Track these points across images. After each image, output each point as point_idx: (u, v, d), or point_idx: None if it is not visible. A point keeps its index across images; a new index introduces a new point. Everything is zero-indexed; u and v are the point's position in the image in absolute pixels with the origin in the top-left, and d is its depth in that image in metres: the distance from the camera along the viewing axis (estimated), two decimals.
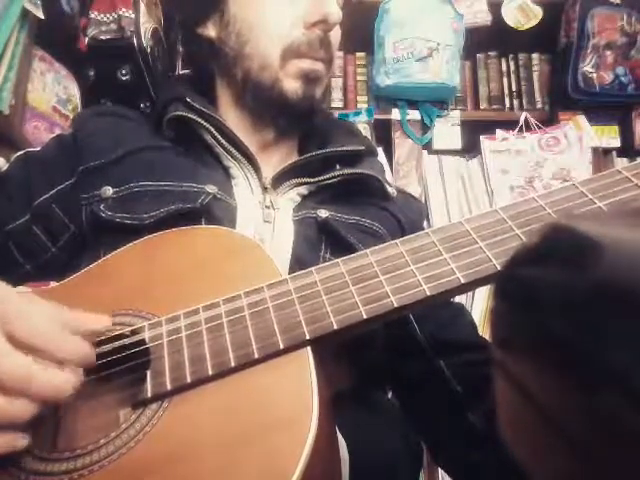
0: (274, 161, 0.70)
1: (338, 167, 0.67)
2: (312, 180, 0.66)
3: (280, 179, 0.65)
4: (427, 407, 0.63)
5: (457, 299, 1.56)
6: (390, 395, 0.87)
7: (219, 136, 0.65)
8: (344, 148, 0.68)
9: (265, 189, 0.64)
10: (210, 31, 0.71)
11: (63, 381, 0.38)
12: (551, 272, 0.25)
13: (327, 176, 0.66)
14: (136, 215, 0.58)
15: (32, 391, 0.37)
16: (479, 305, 1.55)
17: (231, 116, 0.71)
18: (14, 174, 0.66)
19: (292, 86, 0.65)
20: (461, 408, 0.58)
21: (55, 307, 0.42)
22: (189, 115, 0.64)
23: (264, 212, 0.63)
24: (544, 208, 0.46)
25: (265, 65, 0.65)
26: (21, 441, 0.38)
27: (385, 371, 0.66)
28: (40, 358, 0.38)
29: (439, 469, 1.44)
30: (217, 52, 0.70)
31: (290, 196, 0.66)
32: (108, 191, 0.60)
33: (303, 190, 0.67)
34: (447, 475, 0.67)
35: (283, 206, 0.64)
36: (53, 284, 0.54)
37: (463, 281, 0.43)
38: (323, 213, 0.63)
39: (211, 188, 0.60)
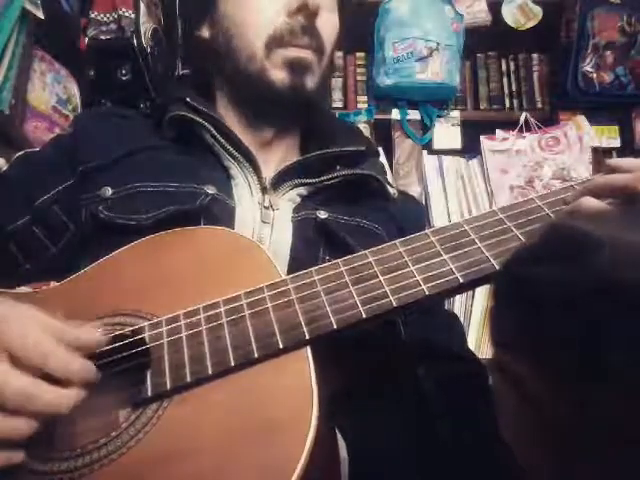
0: (275, 161, 0.70)
1: (338, 167, 0.67)
2: (312, 181, 0.66)
3: (280, 179, 0.65)
4: (397, 409, 0.63)
5: (456, 301, 1.56)
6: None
7: (219, 136, 0.65)
8: (345, 148, 0.68)
9: (264, 189, 0.64)
10: (205, 32, 0.72)
11: (63, 398, 0.39)
12: (550, 271, 0.26)
13: (327, 177, 0.66)
14: (135, 216, 0.58)
15: (32, 409, 0.37)
16: (479, 305, 1.55)
17: (230, 115, 0.71)
18: (14, 175, 0.67)
19: (278, 76, 0.65)
20: (432, 418, 0.57)
21: (54, 322, 0.42)
22: (189, 115, 0.65)
23: (263, 213, 0.63)
24: (543, 208, 0.46)
25: (250, 56, 0.66)
26: (18, 457, 0.38)
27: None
28: (40, 375, 0.38)
29: None
30: (212, 52, 0.71)
31: (290, 197, 0.66)
32: (107, 191, 0.61)
33: (303, 191, 0.67)
34: None
35: (282, 207, 0.64)
36: (53, 284, 0.54)
37: (462, 281, 0.44)
38: (322, 214, 0.63)
39: (210, 189, 0.61)
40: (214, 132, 0.65)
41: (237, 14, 0.67)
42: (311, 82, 0.67)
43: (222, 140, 0.65)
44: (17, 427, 0.37)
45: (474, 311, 1.54)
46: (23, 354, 0.38)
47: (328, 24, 0.69)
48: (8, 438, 0.37)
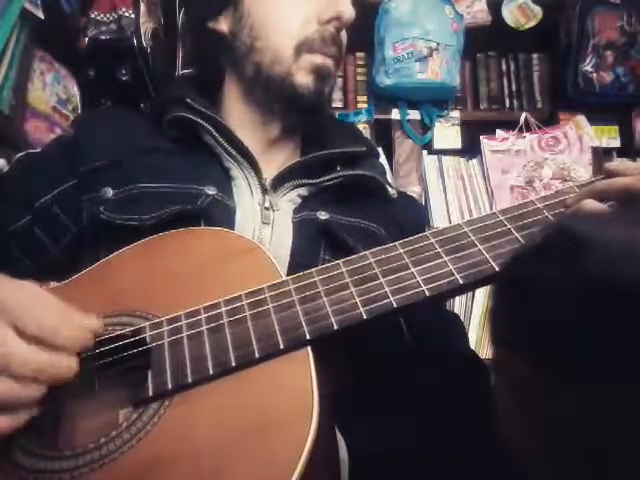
0: (277, 161, 0.70)
1: (339, 168, 0.68)
2: (312, 181, 0.66)
3: (280, 180, 0.65)
4: (398, 409, 0.63)
5: (456, 301, 1.56)
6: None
7: (219, 137, 0.65)
8: (345, 149, 0.69)
9: (265, 190, 0.64)
10: (222, 25, 0.71)
11: (67, 363, 0.40)
12: (550, 272, 0.26)
13: (328, 177, 0.66)
14: (136, 216, 0.58)
15: (39, 374, 0.39)
16: (479, 305, 1.55)
17: (237, 112, 0.71)
18: (15, 175, 0.67)
19: (304, 80, 0.66)
20: (433, 415, 0.58)
21: (57, 300, 0.43)
22: (189, 116, 0.65)
23: (263, 213, 0.63)
24: (543, 211, 0.47)
25: (277, 59, 0.66)
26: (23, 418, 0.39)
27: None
28: (45, 343, 0.40)
29: None
30: (228, 47, 0.70)
31: (290, 197, 0.66)
32: (108, 192, 0.61)
33: (304, 191, 0.67)
34: None
35: (283, 207, 0.64)
36: (53, 284, 0.54)
37: (462, 282, 0.44)
38: (323, 215, 0.63)
39: (211, 189, 0.61)
40: (214, 133, 0.65)
41: (266, 14, 0.67)
42: (328, 89, 0.69)
43: (222, 141, 0.65)
44: (28, 391, 0.38)
45: (474, 311, 1.54)
46: (31, 328, 0.39)
47: (345, 35, 0.71)
48: (21, 402, 0.38)
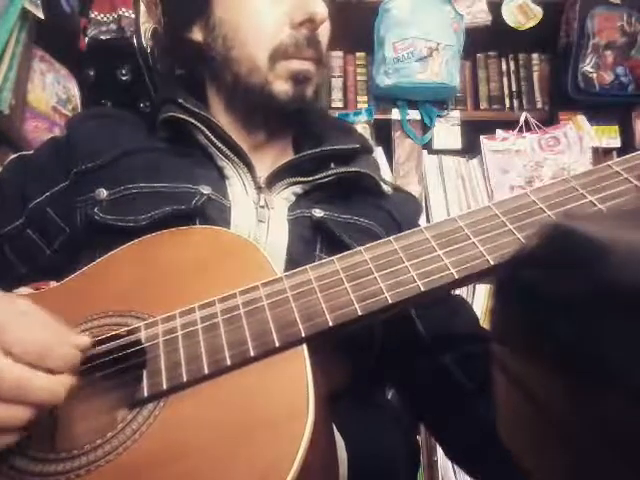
0: (268, 160, 0.70)
1: (333, 166, 0.67)
2: (307, 179, 0.65)
3: (274, 178, 0.65)
4: (436, 404, 0.63)
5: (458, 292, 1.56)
6: (390, 395, 0.87)
7: (212, 136, 0.64)
8: (338, 146, 0.68)
9: (259, 188, 0.64)
10: (196, 35, 0.70)
11: (57, 386, 0.39)
12: (552, 273, 0.26)
13: (322, 175, 0.66)
14: (130, 217, 0.58)
15: (28, 397, 0.37)
16: (480, 303, 1.55)
17: (222, 118, 0.70)
18: (8, 178, 0.66)
19: (282, 88, 0.65)
20: (471, 401, 0.57)
21: (45, 316, 0.42)
22: (181, 116, 0.64)
23: (258, 212, 0.62)
24: (536, 203, 0.46)
25: (253, 68, 0.65)
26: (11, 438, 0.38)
27: (389, 372, 0.66)
28: (34, 366, 0.38)
29: (439, 468, 1.44)
30: (205, 56, 0.69)
31: (285, 195, 0.65)
32: (102, 193, 0.60)
33: (298, 189, 0.66)
34: (461, 471, 0.67)
35: (278, 205, 0.64)
36: (53, 284, 0.54)
37: (457, 276, 0.43)
38: (318, 212, 0.62)
39: (205, 189, 0.60)
40: (207, 132, 0.64)
41: (237, 22, 0.66)
42: (310, 91, 0.68)
43: (215, 140, 0.64)
44: (13, 414, 0.37)
45: (474, 309, 1.54)
46: (18, 345, 0.38)
47: (325, 32, 0.69)
48: (5, 425, 0.37)
